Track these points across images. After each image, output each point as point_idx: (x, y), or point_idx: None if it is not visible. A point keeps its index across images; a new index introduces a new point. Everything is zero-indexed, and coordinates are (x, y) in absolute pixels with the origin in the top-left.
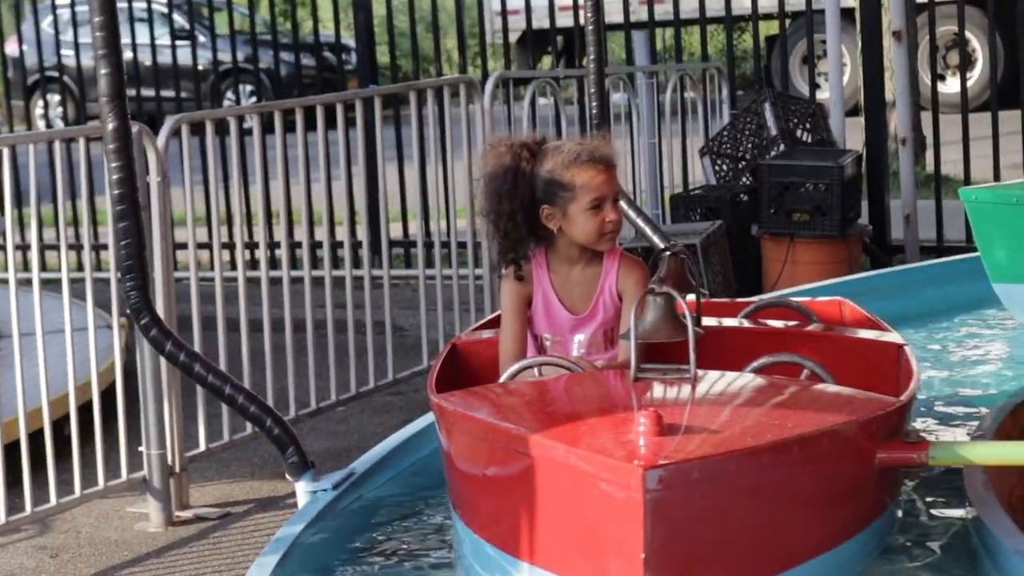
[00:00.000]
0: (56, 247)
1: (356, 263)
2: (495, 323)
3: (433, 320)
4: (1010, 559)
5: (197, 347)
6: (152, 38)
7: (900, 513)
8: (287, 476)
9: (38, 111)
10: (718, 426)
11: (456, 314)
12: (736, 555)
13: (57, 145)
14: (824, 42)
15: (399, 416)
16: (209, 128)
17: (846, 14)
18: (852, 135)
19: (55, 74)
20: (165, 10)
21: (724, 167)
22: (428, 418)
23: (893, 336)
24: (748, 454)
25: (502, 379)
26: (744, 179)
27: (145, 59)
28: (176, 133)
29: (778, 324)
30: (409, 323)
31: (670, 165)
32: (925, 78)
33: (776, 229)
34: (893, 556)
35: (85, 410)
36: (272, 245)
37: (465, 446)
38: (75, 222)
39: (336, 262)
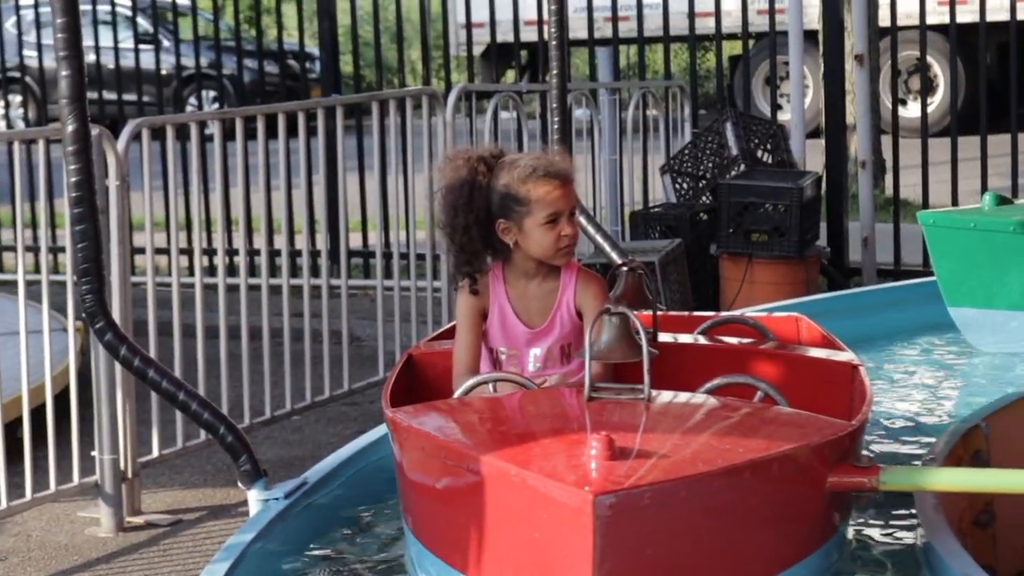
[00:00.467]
0: (13, 248)
1: (314, 272)
2: (452, 334)
3: (390, 331)
4: None
5: (153, 353)
6: (115, 41)
7: (850, 535)
8: (239, 484)
9: None
10: (670, 450)
11: (413, 326)
12: None
13: (16, 146)
14: (787, 63)
15: (353, 426)
16: (170, 133)
17: (809, 36)
18: (812, 157)
19: (17, 74)
20: (129, 13)
21: (684, 185)
22: (382, 429)
23: (848, 356)
24: (699, 480)
25: (456, 394)
26: (704, 198)
27: (108, 62)
28: (137, 137)
29: (733, 341)
30: (366, 333)
31: (631, 182)
32: (886, 102)
33: (735, 249)
34: None
35: (38, 413)
36: (230, 252)
37: (418, 461)
38: (33, 224)
39: (294, 270)
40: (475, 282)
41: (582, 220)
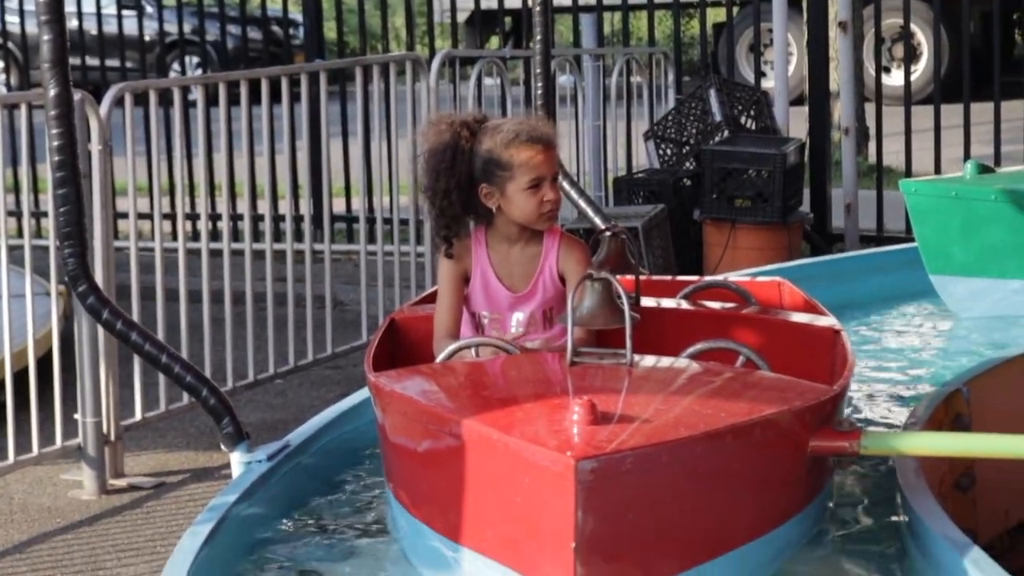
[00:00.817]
0: None
1: (298, 237)
2: (435, 298)
3: (373, 296)
4: (938, 544)
5: (136, 317)
6: (98, 6)
7: (832, 498)
8: (222, 446)
9: None
10: (652, 415)
11: (396, 290)
12: (668, 543)
13: None
14: (771, 31)
15: (336, 390)
16: (153, 98)
17: (793, 4)
18: (796, 124)
19: None
20: None
21: (668, 151)
22: (364, 393)
23: (830, 321)
24: (681, 444)
25: (439, 358)
26: (687, 164)
27: (91, 28)
28: (120, 103)
29: (716, 306)
30: (349, 298)
31: (614, 148)
32: (870, 69)
33: (718, 214)
34: (824, 541)
35: (21, 377)
36: (213, 217)
37: (400, 426)
38: (16, 189)
39: (278, 235)
40: (451, 246)
41: (565, 185)
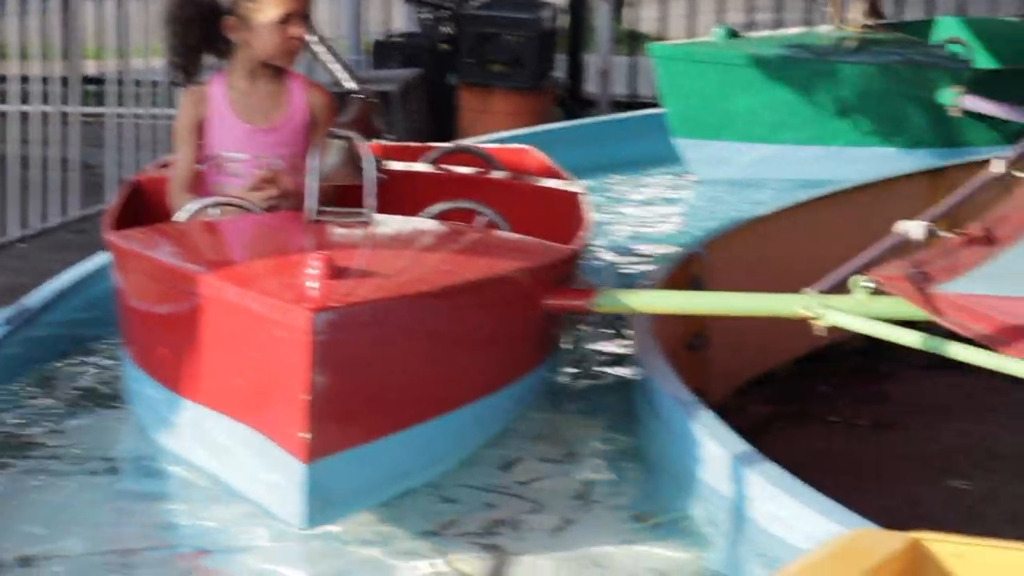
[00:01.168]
0: None
1: (46, 99)
2: None
3: (123, 160)
4: (666, 403)
5: None
6: None
7: (567, 357)
8: None
9: None
10: (391, 271)
11: (148, 154)
12: (403, 397)
13: None
14: None
15: (81, 254)
16: None
17: None
18: None
19: None
20: None
21: (427, 15)
22: (106, 256)
23: (572, 185)
24: (417, 299)
25: (178, 216)
26: (446, 28)
27: None
28: None
29: (461, 170)
30: (98, 161)
31: (373, 12)
32: None
33: (473, 79)
34: (557, 399)
35: None
36: None
37: (138, 285)
38: None
39: (25, 97)
40: (189, 78)
41: (319, 48)
